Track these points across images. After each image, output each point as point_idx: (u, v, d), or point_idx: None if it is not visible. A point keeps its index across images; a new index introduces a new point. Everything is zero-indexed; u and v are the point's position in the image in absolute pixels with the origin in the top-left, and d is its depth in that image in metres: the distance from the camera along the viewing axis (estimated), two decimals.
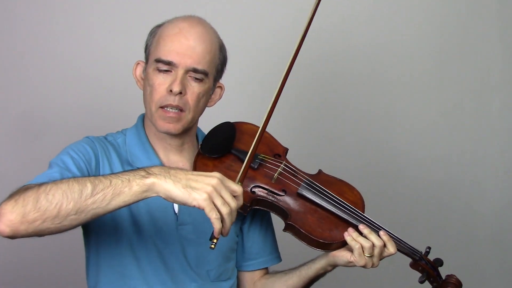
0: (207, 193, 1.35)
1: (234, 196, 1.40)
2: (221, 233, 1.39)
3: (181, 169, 1.41)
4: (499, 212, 3.15)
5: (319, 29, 2.90)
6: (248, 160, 1.54)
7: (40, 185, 1.38)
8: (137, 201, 1.38)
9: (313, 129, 2.96)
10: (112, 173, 1.44)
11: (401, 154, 3.06)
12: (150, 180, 1.36)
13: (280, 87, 1.65)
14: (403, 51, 3.06)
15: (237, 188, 1.41)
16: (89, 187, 1.36)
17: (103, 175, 1.41)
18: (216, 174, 1.40)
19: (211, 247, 1.40)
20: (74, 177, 1.45)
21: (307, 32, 1.72)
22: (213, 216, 1.35)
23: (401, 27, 3.06)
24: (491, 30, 3.19)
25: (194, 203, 1.35)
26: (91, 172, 1.62)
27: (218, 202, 1.36)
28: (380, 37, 3.02)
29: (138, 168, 1.42)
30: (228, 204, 1.38)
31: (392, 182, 3.03)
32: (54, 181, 1.39)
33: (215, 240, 1.40)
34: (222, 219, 1.37)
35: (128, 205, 1.38)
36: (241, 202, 1.42)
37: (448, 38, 3.13)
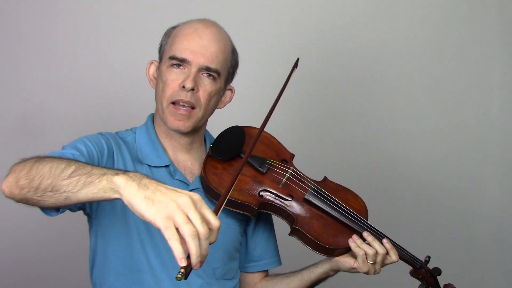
0: (167, 208, 1.15)
1: (210, 229, 1.17)
2: (189, 263, 1.14)
3: (159, 182, 1.24)
4: (499, 213, 3.18)
5: (323, 35, 2.92)
6: (225, 196, 1.32)
7: (45, 156, 1.39)
8: (104, 199, 1.26)
9: (318, 136, 2.98)
10: (101, 166, 1.39)
11: (404, 159, 3.08)
12: (118, 179, 1.23)
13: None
14: (407, 55, 3.07)
15: (213, 220, 1.18)
16: (72, 168, 1.29)
17: (93, 165, 1.34)
18: (196, 195, 1.20)
19: (177, 277, 1.13)
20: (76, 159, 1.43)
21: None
22: (167, 234, 1.13)
23: (403, 29, 3.07)
24: (491, 31, 3.19)
25: (149, 218, 1.16)
26: (102, 163, 1.63)
27: (179, 220, 1.14)
28: (383, 41, 3.04)
29: (123, 169, 1.35)
30: (194, 226, 1.14)
31: (394, 185, 3.05)
32: (55, 156, 1.38)
33: (182, 270, 1.13)
34: (188, 246, 1.14)
35: (96, 200, 1.29)
36: (213, 239, 1.18)
37: (448, 39, 3.14)
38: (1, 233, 2.52)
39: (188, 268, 1.14)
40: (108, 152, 1.67)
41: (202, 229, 1.15)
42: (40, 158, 1.37)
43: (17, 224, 2.49)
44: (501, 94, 3.20)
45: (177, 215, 1.14)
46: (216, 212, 1.24)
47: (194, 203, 1.17)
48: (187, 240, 1.13)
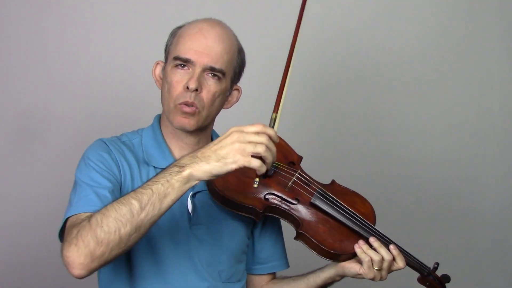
0: (236, 151, 1.38)
1: (263, 134, 1.41)
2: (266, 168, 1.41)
3: (203, 147, 1.44)
4: (500, 213, 3.18)
5: (331, 35, 2.92)
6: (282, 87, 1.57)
7: (89, 220, 1.41)
8: (184, 193, 1.42)
9: (328, 138, 2.98)
10: (148, 180, 1.45)
11: (412, 162, 3.09)
12: (186, 172, 1.40)
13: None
14: (413, 57, 3.08)
15: (257, 128, 1.41)
16: (135, 204, 1.39)
17: (141, 186, 1.43)
18: (232, 129, 1.42)
19: (254, 186, 1.45)
20: (113, 199, 1.49)
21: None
22: (256, 165, 1.38)
23: (405, 30, 3.09)
24: (492, 31, 3.19)
25: (234, 166, 1.38)
26: (117, 178, 1.64)
27: (250, 149, 1.38)
28: (387, 43, 3.04)
29: (168, 166, 1.45)
30: (260, 143, 1.39)
31: (403, 189, 3.06)
32: (100, 211, 1.42)
33: (257, 179, 1.45)
34: (264, 158, 1.40)
35: (178, 200, 1.43)
36: (271, 131, 1.42)
37: (449, 39, 3.14)
38: (4, 238, 2.54)
39: (262, 173, 1.42)
40: (116, 166, 1.67)
41: (264, 140, 1.40)
42: (87, 222, 1.40)
43: (21, 227, 2.51)
44: (501, 94, 3.20)
45: (246, 148, 1.38)
46: (272, 125, 1.48)
47: (241, 130, 1.40)
48: (263, 156, 1.39)
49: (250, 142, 1.39)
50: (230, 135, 1.40)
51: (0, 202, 2.51)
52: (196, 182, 1.41)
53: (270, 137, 1.42)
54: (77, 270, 1.39)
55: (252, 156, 1.39)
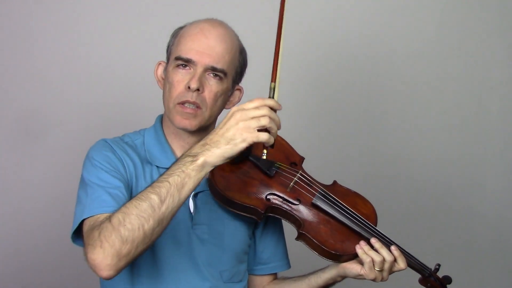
0: (242, 129, 1.42)
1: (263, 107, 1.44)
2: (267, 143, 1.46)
3: (209, 134, 1.47)
4: (500, 213, 3.19)
5: (334, 38, 2.92)
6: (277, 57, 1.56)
7: (110, 220, 1.41)
8: (200, 181, 1.45)
9: (330, 138, 2.99)
10: (162, 174, 1.47)
11: (415, 163, 3.11)
12: (201, 160, 1.43)
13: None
14: (414, 57, 3.09)
15: (256, 103, 1.44)
16: (155, 198, 1.41)
17: (156, 180, 1.45)
18: (233, 109, 1.45)
19: (262, 158, 1.48)
20: (130, 198, 1.52)
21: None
22: (264, 138, 1.43)
23: (408, 31, 3.10)
24: (492, 30, 3.19)
25: (244, 145, 1.43)
26: (124, 177, 1.65)
27: (254, 124, 1.42)
28: (389, 44, 3.05)
29: (180, 158, 1.47)
30: (263, 116, 1.42)
31: (405, 190, 3.07)
32: (120, 210, 1.43)
33: (265, 151, 1.49)
34: (269, 129, 1.44)
35: (195, 189, 1.46)
36: (270, 101, 1.45)
37: (449, 39, 3.14)
38: (4, 238, 2.54)
39: (270, 145, 1.47)
40: (122, 165, 1.67)
41: (266, 111, 1.43)
42: (109, 223, 1.41)
43: (22, 227, 2.50)
44: (501, 94, 3.20)
45: (251, 124, 1.42)
46: (272, 95, 1.49)
47: (242, 108, 1.43)
48: (268, 127, 1.43)
49: (253, 118, 1.42)
50: (232, 116, 1.43)
51: (0, 202, 2.51)
52: (211, 168, 1.44)
53: (271, 107, 1.44)
54: (106, 272, 1.40)
55: (258, 130, 1.42)
